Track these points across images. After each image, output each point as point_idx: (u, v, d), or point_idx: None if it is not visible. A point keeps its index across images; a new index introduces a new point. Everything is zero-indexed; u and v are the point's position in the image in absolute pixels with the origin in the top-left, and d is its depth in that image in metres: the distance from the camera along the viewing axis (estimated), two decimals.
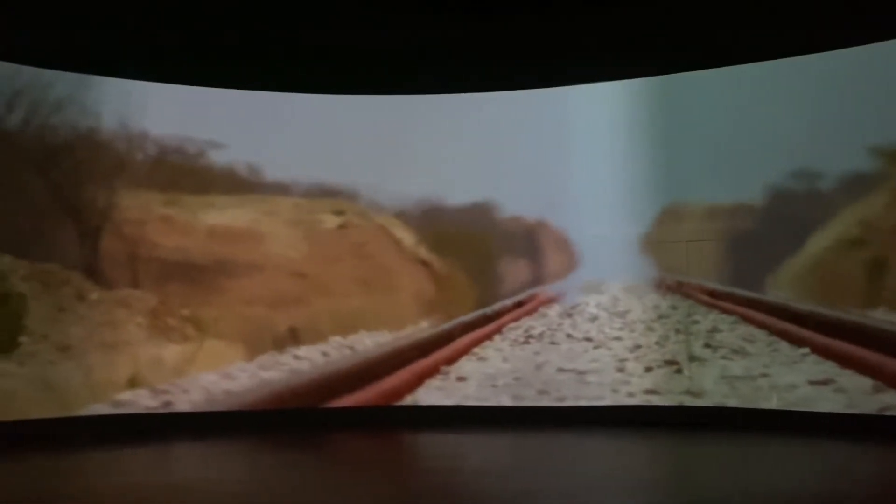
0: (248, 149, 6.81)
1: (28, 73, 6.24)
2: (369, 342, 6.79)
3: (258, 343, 6.63)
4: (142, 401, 6.33)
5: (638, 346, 6.51)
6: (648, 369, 6.41)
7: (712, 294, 6.43)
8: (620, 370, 6.49)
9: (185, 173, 6.78)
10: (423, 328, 6.86)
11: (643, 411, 6.26)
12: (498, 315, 6.89)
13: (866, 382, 5.56)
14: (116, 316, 6.40)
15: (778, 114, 6.03)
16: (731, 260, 6.40)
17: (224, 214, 6.84)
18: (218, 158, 6.82)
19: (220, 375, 6.53)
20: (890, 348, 5.49)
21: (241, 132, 6.75)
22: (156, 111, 6.57)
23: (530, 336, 6.80)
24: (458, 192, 6.94)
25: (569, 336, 6.74)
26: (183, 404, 6.42)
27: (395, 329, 6.83)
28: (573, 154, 6.70)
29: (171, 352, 6.48)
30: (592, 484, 4.28)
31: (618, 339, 6.60)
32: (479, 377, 6.71)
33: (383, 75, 6.63)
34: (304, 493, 4.08)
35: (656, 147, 6.44)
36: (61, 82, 6.36)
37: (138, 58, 6.25)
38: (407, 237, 7.02)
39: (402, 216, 6.99)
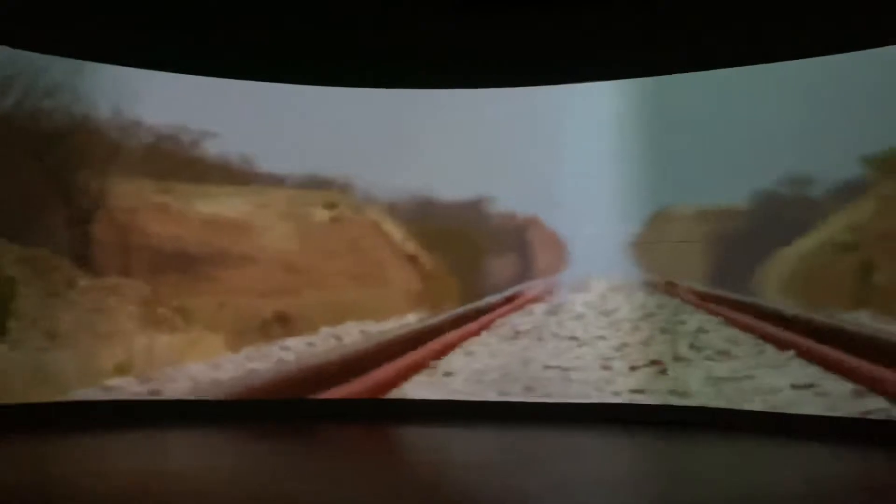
0: (243, 139, 6.81)
1: (23, 57, 6.21)
2: (356, 331, 6.81)
3: (246, 334, 6.65)
4: (130, 387, 6.34)
5: (624, 345, 6.58)
6: (634, 368, 6.48)
7: (700, 295, 6.52)
8: (606, 368, 6.56)
9: (180, 162, 6.78)
10: (410, 322, 6.89)
11: (628, 410, 6.32)
12: (487, 310, 6.94)
13: (848, 386, 5.65)
14: (107, 304, 6.41)
15: (768, 119, 6.09)
16: (719, 262, 6.47)
17: (218, 205, 6.85)
18: (212, 148, 6.82)
19: (207, 365, 6.55)
20: (873, 353, 5.58)
21: (235, 122, 6.75)
22: (150, 99, 6.56)
23: (518, 332, 6.86)
24: (450, 188, 6.97)
25: (555, 334, 6.80)
26: (170, 393, 6.43)
27: (381, 321, 6.86)
28: (566, 153, 6.74)
29: (161, 342, 6.48)
30: (580, 481, 4.32)
31: (602, 337, 6.66)
32: (467, 372, 6.76)
33: (380, 69, 6.64)
34: (292, 482, 4.11)
35: (648, 149, 6.49)
36: (56, 67, 6.34)
37: (133, 45, 6.23)
38: (397, 232, 7.05)
39: (394, 210, 7.01)
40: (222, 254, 6.77)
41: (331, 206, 6.99)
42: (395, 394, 6.68)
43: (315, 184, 6.97)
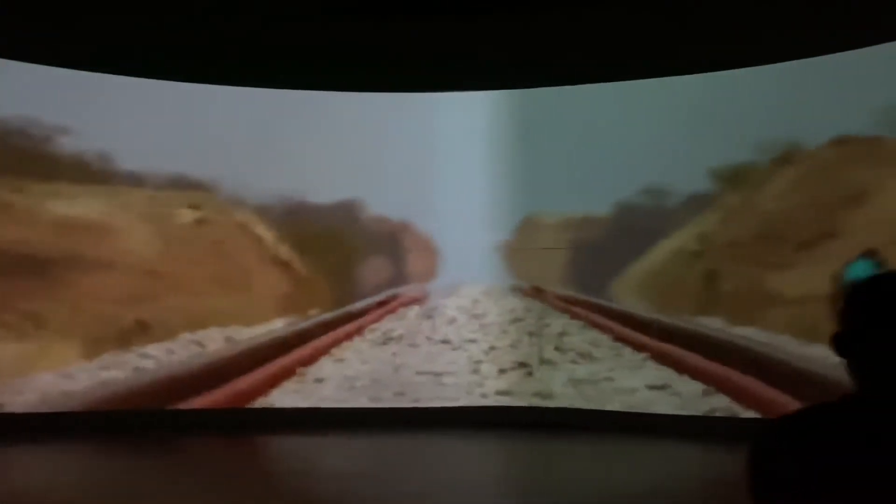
0: (101, 135, 6.43)
1: None
2: (220, 338, 6.57)
3: (102, 341, 6.28)
4: None
5: (493, 349, 6.71)
6: (502, 371, 6.62)
7: (564, 299, 6.75)
8: (475, 372, 6.66)
9: (30, 158, 6.32)
10: (277, 327, 6.73)
11: (496, 412, 6.43)
12: (359, 315, 6.89)
13: (698, 387, 6.02)
14: None
15: (630, 133, 6.40)
16: (582, 267, 6.73)
17: (73, 205, 6.43)
18: (67, 144, 6.40)
19: (58, 375, 6.13)
20: (719, 355, 5.97)
21: (93, 117, 6.37)
22: None
23: (389, 338, 6.84)
24: (322, 191, 6.87)
25: (428, 338, 6.84)
26: (16, 406, 5.98)
27: (248, 326, 6.66)
28: (440, 159, 6.80)
29: (7, 351, 6.01)
30: (448, 486, 4.37)
31: (473, 341, 6.76)
32: (338, 379, 6.67)
33: (250, 67, 6.46)
34: (147, 499, 3.91)
35: (518, 158, 6.66)
36: None
37: None
38: (267, 235, 6.88)
39: (264, 212, 6.84)
40: (77, 257, 6.36)
41: (195, 207, 6.72)
42: (261, 402, 6.49)
43: (179, 184, 6.68)
